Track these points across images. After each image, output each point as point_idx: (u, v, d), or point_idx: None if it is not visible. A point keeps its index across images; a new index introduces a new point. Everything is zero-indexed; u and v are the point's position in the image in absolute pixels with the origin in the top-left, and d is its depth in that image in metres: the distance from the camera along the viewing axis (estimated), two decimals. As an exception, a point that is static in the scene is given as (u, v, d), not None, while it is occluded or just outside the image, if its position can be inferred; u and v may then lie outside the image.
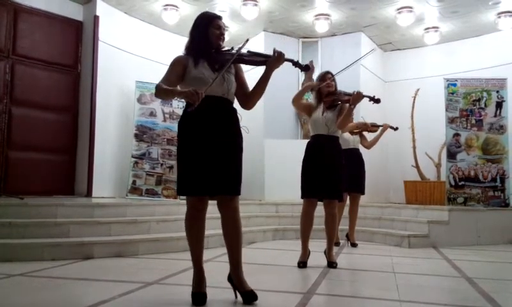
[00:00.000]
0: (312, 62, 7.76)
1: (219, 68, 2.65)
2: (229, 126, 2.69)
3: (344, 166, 4.13)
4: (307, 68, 2.93)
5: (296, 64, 2.85)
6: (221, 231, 2.74)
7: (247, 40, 2.73)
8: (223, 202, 2.69)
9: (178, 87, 2.68)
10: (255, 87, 2.80)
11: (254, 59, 2.77)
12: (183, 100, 2.73)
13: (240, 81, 2.82)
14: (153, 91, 2.67)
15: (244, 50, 2.71)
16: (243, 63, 2.80)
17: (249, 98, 2.82)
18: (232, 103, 2.77)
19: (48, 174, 6.36)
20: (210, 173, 2.59)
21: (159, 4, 6.80)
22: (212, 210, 2.80)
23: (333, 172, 3.96)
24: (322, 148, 3.98)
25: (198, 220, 2.72)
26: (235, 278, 2.69)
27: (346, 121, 4.03)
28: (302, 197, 4.03)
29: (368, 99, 4.20)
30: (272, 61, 2.72)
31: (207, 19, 2.79)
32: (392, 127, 5.64)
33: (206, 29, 2.74)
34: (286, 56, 2.76)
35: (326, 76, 4.10)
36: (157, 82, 2.65)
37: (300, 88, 7.87)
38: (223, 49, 2.78)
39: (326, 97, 4.02)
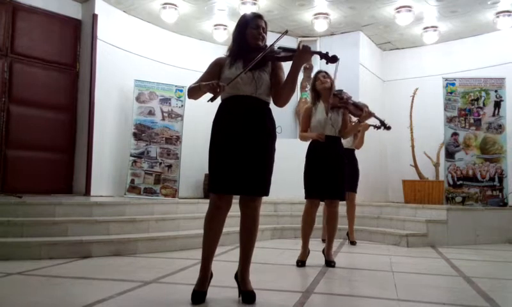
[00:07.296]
0: (311, 61, 7.75)
1: (251, 67, 2.60)
2: (258, 125, 2.65)
3: (346, 166, 4.14)
4: (334, 59, 2.66)
5: (323, 56, 2.67)
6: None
7: (286, 31, 2.70)
8: (244, 200, 2.71)
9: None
10: (283, 84, 2.69)
11: (282, 55, 2.68)
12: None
13: (277, 79, 2.72)
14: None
15: (276, 46, 2.65)
16: (271, 60, 2.71)
17: (278, 95, 2.71)
18: (263, 102, 2.70)
19: (46, 172, 6.36)
20: (232, 172, 2.59)
21: (157, 2, 6.78)
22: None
23: (338, 172, 3.96)
24: (328, 148, 3.94)
25: (218, 219, 2.69)
26: (241, 275, 2.70)
27: (351, 133, 4.09)
28: (306, 197, 4.00)
29: (378, 122, 4.16)
30: (296, 56, 2.63)
31: (246, 19, 2.77)
32: (374, 126, 5.24)
33: (244, 29, 2.73)
34: (311, 50, 2.66)
35: (317, 75, 4.09)
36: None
37: (299, 87, 7.92)
38: (260, 47, 2.68)
39: (333, 97, 3.95)
